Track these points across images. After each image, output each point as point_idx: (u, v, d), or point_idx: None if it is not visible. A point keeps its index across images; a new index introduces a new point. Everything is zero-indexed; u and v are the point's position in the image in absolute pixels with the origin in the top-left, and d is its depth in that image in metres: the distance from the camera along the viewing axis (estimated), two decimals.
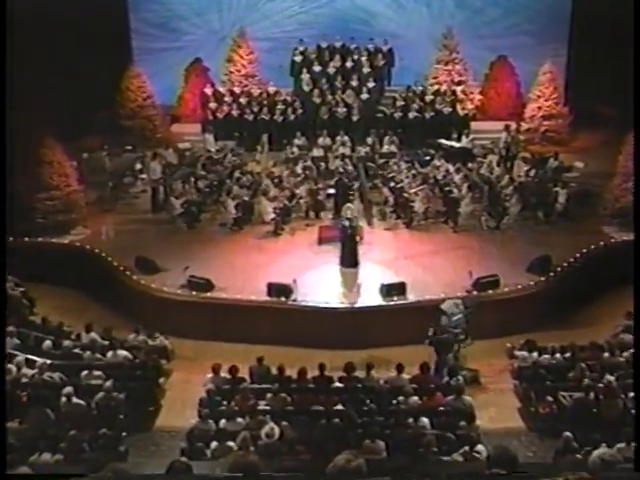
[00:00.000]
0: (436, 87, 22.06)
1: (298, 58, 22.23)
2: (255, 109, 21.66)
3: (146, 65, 22.32)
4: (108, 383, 10.88)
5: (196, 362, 12.83)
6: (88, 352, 12.19)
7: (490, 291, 13.70)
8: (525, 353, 12.03)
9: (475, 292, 13.54)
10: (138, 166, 19.47)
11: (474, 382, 11.95)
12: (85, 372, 11.43)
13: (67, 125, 18.12)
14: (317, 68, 22.13)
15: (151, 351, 12.39)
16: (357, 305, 13.57)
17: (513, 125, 20.59)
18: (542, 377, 11.44)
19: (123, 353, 12.20)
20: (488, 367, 12.43)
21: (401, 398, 10.63)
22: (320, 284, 14.13)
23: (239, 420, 10.10)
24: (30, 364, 11.40)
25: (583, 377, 10.99)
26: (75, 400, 10.49)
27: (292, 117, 21.42)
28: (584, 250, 14.81)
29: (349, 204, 15.34)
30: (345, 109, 21.29)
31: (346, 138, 20.24)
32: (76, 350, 12.32)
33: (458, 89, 21.86)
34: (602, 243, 15.22)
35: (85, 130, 20.28)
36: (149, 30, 23.07)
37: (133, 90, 21.79)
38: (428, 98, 21.61)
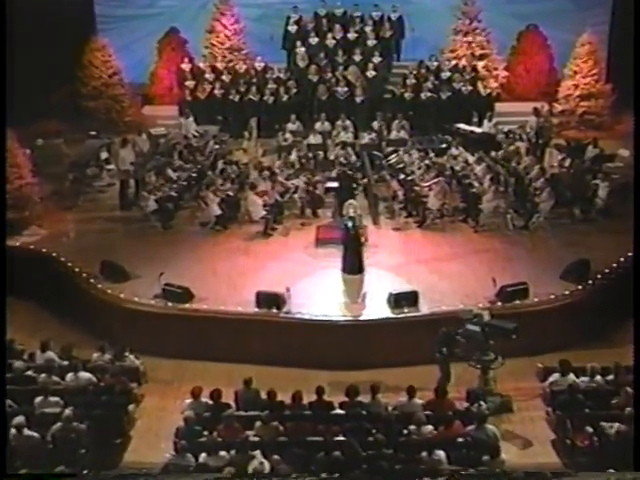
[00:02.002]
0: (454, 62, 22.18)
1: (292, 28, 22.34)
2: (241, 88, 21.73)
3: (112, 36, 22.41)
4: (67, 411, 10.86)
5: (172, 385, 12.83)
6: (43, 375, 12.16)
7: (517, 301, 13.69)
8: (559, 375, 12.03)
9: (500, 303, 13.55)
10: (103, 155, 19.51)
11: (505, 410, 11.96)
12: (40, 398, 11.40)
13: (19, 107, 18.12)
14: (314, 40, 22.23)
15: (119, 373, 12.36)
16: (361, 318, 13.56)
17: (545, 106, 20.68)
18: (580, 404, 11.43)
19: (85, 375, 12.17)
20: (515, 391, 12.43)
21: (413, 427, 10.62)
22: (318, 293, 14.13)
23: (222, 454, 10.09)
24: None
25: (628, 404, 10.98)
26: (27, 432, 10.46)
27: (285, 98, 21.49)
28: (629, 253, 14.80)
29: (352, 200, 15.36)
30: (347, 88, 21.38)
31: (348, 123, 20.32)
32: (29, 372, 12.29)
33: (480, 64, 21.98)
34: None
35: (40, 112, 20.29)
36: None
37: (97, 65, 21.86)
38: (444, 75, 21.72)
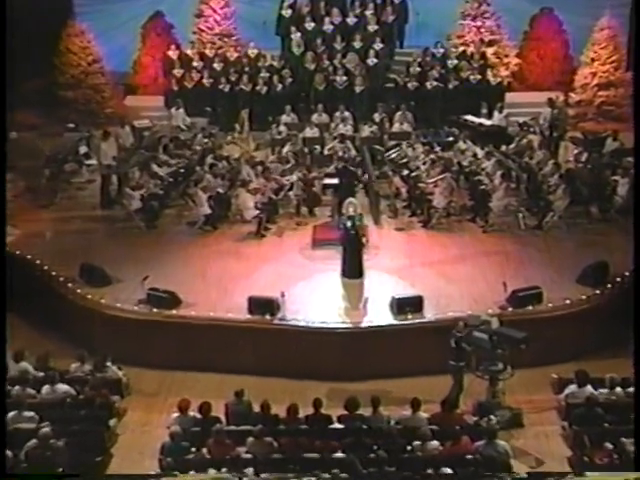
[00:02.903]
0: (461, 49, 22.19)
1: (286, 12, 22.32)
2: (232, 77, 21.73)
3: (92, 20, 22.39)
4: (43, 427, 10.85)
5: (158, 398, 12.85)
6: (17, 387, 12.14)
7: (530, 307, 13.72)
8: (576, 387, 12.04)
9: (511, 308, 13.57)
10: (83, 149, 19.49)
11: (515, 425, 11.96)
12: (13, 413, 11.37)
13: None
14: (310, 25, 22.22)
15: (99, 385, 12.34)
16: (362, 325, 13.57)
17: (560, 97, 20.71)
18: (598, 418, 11.44)
19: (63, 388, 12.16)
20: (528, 404, 12.45)
21: (417, 443, 10.64)
22: (315, 298, 14.15)
23: (212, 472, 10.08)
24: None
25: None
26: None
27: (279, 88, 21.49)
28: None
29: (351, 198, 15.37)
30: (346, 78, 21.38)
31: (347, 114, 20.33)
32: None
33: (489, 51, 22.01)
34: None
35: (13, 103, 20.24)
36: None
37: (75, 52, 21.86)
38: (451, 63, 21.74)
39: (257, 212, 16.49)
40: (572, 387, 12.06)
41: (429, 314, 13.58)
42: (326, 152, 18.88)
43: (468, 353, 11.95)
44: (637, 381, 11.30)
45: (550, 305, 13.79)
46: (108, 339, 13.75)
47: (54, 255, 15.50)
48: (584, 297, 14.01)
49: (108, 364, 12.88)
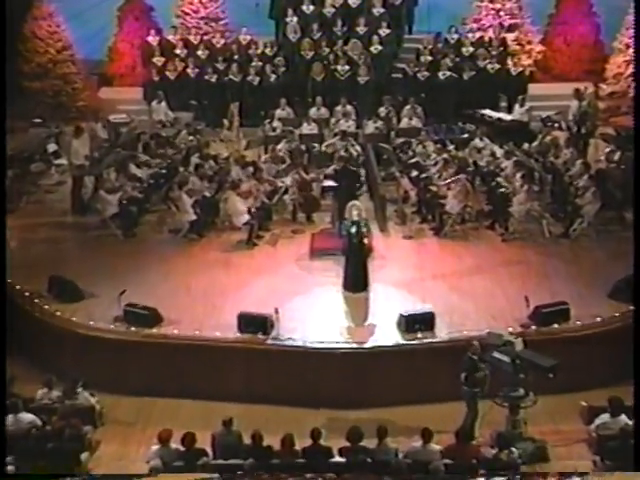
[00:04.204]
0: (478, 34, 22.23)
1: None
2: (220, 67, 21.78)
3: (61, 2, 22.40)
4: (7, 463, 10.79)
5: (135, 428, 12.81)
6: None
7: (556, 325, 13.70)
8: (608, 416, 12.00)
9: (534, 327, 13.56)
10: (52, 147, 19.53)
11: (539, 458, 11.93)
12: None
13: None
14: (308, 8, 22.30)
15: (69, 413, 12.31)
16: (366, 345, 13.55)
17: (589, 88, 20.72)
18: None
19: (28, 417, 12.09)
20: (555, 435, 12.42)
21: (429, 478, 10.58)
22: (313, 315, 14.15)
23: None
24: None
25: None
26: None
27: (272, 78, 21.56)
28: None
29: (354, 202, 15.35)
30: (348, 67, 21.43)
31: (349, 108, 20.38)
32: None
33: (510, 37, 22.05)
34: None
35: None
36: None
37: (42, 38, 21.90)
38: (466, 50, 21.78)
39: (248, 218, 16.50)
40: (604, 416, 11.99)
41: (442, 333, 13.55)
42: (325, 150, 18.90)
43: (484, 377, 11.92)
44: (636, 379, 11.38)
45: (578, 323, 13.77)
46: (80, 362, 13.72)
47: (19, 267, 15.44)
48: (617, 314, 13.99)
49: (79, 390, 12.83)
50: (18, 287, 14.89)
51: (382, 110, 20.23)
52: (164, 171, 18.28)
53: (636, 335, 12.31)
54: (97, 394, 13.04)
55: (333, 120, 20.18)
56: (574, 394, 12.89)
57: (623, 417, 11.91)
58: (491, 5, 22.51)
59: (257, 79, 21.51)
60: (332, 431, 11.83)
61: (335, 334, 13.70)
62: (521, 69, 21.61)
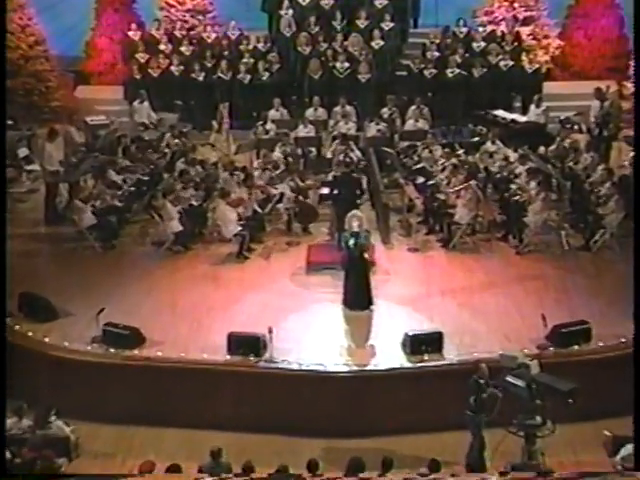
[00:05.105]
0: (490, 28, 22.26)
1: None
2: (208, 64, 21.79)
3: None
4: None
5: (115, 460, 12.76)
6: None
7: (576, 346, 13.70)
8: (634, 447, 12.00)
9: (552, 348, 13.56)
10: (23, 151, 19.52)
11: None
12: None
13: None
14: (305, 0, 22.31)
15: (41, 444, 12.28)
16: (367, 368, 13.55)
17: (612, 86, 20.74)
18: None
19: None
20: (575, 467, 12.39)
21: None
22: (310, 335, 14.14)
23: None
24: None
25: None
26: None
27: (265, 76, 21.57)
28: None
29: (354, 211, 15.35)
30: (348, 64, 21.45)
31: (349, 109, 20.42)
32: None
33: (524, 31, 22.07)
34: None
35: None
36: None
37: (12, 32, 21.86)
38: (477, 46, 21.80)
39: (239, 229, 16.50)
40: (630, 447, 11.99)
41: (450, 355, 13.55)
42: (324, 155, 18.90)
43: (491, 402, 11.89)
44: (636, 378, 11.38)
45: (601, 344, 13.75)
46: (53, 387, 13.66)
47: None
48: None
49: (52, 419, 12.79)
50: None
51: (385, 111, 20.28)
52: (146, 178, 18.27)
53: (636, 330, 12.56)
54: (72, 423, 12.97)
55: (332, 122, 20.22)
56: (596, 422, 12.86)
57: None
58: None
59: (248, 77, 21.53)
60: (330, 462, 11.82)
61: (334, 356, 13.69)
62: (537, 66, 21.65)
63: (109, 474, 11.31)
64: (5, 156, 15.59)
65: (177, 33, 22.58)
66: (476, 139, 19.66)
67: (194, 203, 17.26)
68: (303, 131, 19.78)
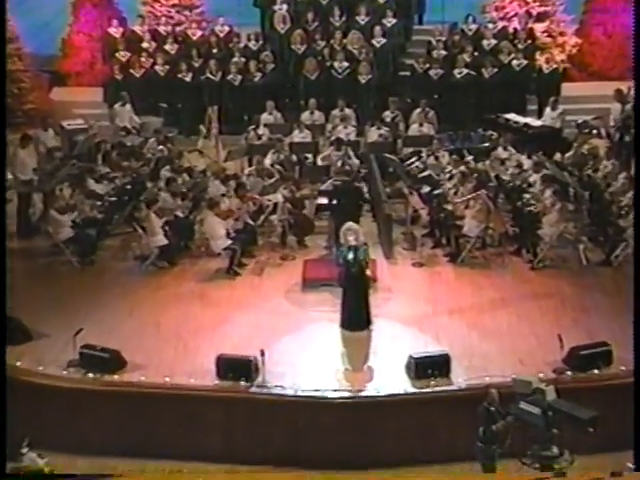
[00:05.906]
0: (501, 25, 22.30)
1: None
2: (195, 63, 21.81)
3: None
4: None
5: None
6: None
7: (596, 370, 13.68)
8: None
9: (570, 372, 13.54)
10: None
11: None
12: None
13: None
14: None
15: (12, 479, 12.24)
16: (369, 394, 13.52)
17: (632, 88, 20.75)
18: None
19: None
20: None
21: None
22: (305, 358, 14.14)
23: None
24: None
25: None
26: None
27: (258, 77, 21.59)
28: None
29: (349, 224, 15.32)
30: (347, 64, 21.49)
31: (348, 112, 20.46)
32: None
33: (539, 28, 22.11)
34: None
35: None
36: None
37: None
38: (487, 44, 21.83)
39: (229, 242, 16.49)
40: None
41: (459, 379, 13.52)
42: (320, 162, 18.94)
43: (502, 431, 11.85)
44: (636, 378, 11.62)
45: (623, 368, 13.72)
46: (26, 416, 13.51)
47: None
48: None
49: (24, 450, 12.74)
50: None
51: (387, 114, 20.34)
52: (129, 187, 18.27)
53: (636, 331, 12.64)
54: (47, 454, 12.86)
55: (329, 126, 20.23)
56: (618, 453, 12.78)
57: None
58: None
59: (239, 78, 21.58)
60: None
61: (331, 380, 13.66)
62: (553, 66, 21.66)
63: (105, 474, 11.47)
64: (5, 156, 15.54)
65: (161, 30, 22.63)
66: (486, 145, 19.67)
67: (180, 214, 17.26)
68: (298, 136, 19.80)
